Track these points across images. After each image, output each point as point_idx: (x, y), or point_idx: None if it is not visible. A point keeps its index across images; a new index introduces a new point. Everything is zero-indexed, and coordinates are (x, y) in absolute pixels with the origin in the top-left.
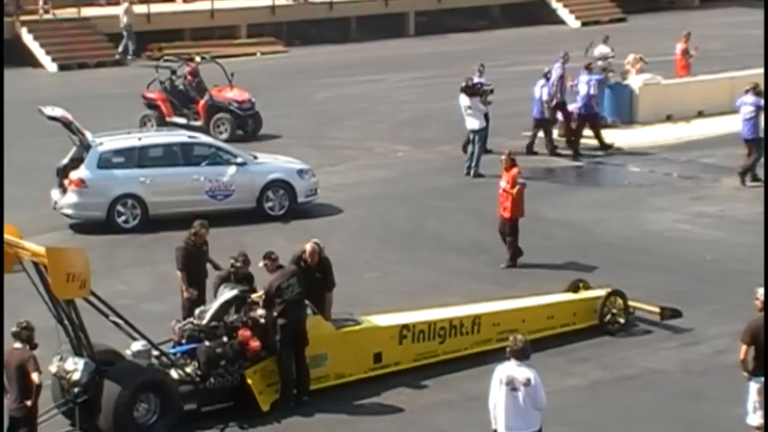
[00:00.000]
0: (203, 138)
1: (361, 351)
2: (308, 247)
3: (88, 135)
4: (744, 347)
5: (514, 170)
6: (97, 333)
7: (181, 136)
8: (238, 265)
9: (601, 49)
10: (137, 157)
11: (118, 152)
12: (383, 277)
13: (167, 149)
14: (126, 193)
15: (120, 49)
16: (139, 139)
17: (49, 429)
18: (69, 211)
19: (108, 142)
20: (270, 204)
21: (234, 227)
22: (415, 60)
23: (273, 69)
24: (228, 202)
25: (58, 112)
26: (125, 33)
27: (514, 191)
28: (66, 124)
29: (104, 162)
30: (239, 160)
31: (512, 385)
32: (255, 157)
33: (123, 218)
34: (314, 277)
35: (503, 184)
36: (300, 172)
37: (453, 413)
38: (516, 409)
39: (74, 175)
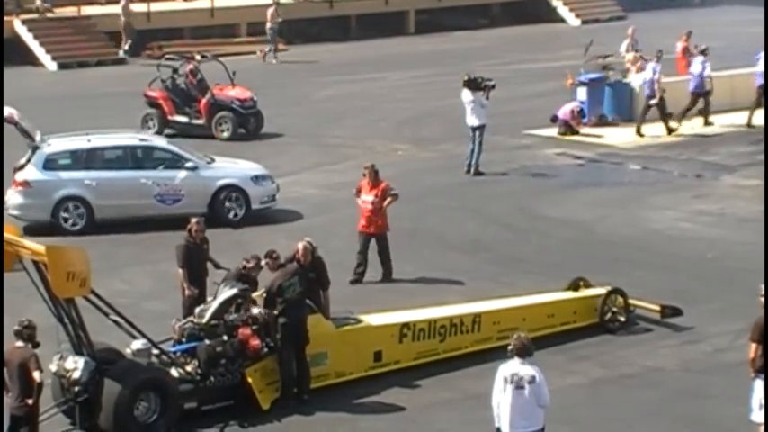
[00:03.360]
0: (155, 141)
1: (361, 349)
2: (301, 246)
3: (37, 136)
4: (753, 346)
5: (383, 183)
6: (97, 332)
7: (131, 139)
8: (250, 266)
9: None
10: (84, 160)
11: (65, 154)
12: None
13: (116, 152)
14: (70, 195)
15: (267, 49)
16: (89, 140)
17: (49, 428)
18: (15, 212)
19: (56, 144)
20: (233, 211)
21: (234, 227)
22: (416, 59)
23: (273, 68)
24: (178, 206)
25: (5, 112)
26: (269, 36)
27: (386, 203)
28: (14, 124)
29: (50, 163)
30: (190, 165)
31: (517, 383)
32: (211, 161)
33: (68, 220)
34: (308, 277)
35: (369, 198)
36: (256, 178)
37: (453, 412)
38: (522, 407)
39: (19, 176)
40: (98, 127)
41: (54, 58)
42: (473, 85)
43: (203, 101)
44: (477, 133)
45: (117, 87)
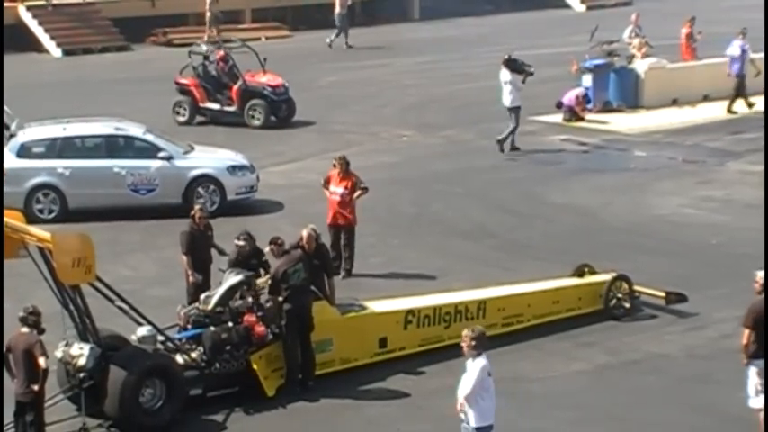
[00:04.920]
0: (131, 130)
1: (366, 336)
2: (305, 233)
3: (13, 125)
4: (746, 332)
5: (353, 176)
6: (103, 318)
7: (107, 127)
8: (241, 244)
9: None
10: (58, 148)
11: (40, 142)
12: (388, 262)
13: (91, 141)
14: (43, 183)
15: (334, 35)
16: (64, 129)
17: (54, 414)
18: None
19: (31, 131)
20: (201, 201)
21: (237, 216)
22: (421, 45)
23: (278, 54)
24: (152, 197)
25: None
26: (338, 23)
27: (356, 196)
28: None
29: (25, 151)
30: (163, 154)
31: (491, 375)
32: (190, 150)
33: (41, 209)
34: (312, 263)
35: (338, 189)
36: (233, 168)
37: None
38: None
39: None
40: (102, 113)
41: (59, 45)
42: (511, 65)
43: (235, 87)
44: (513, 114)
45: (121, 74)
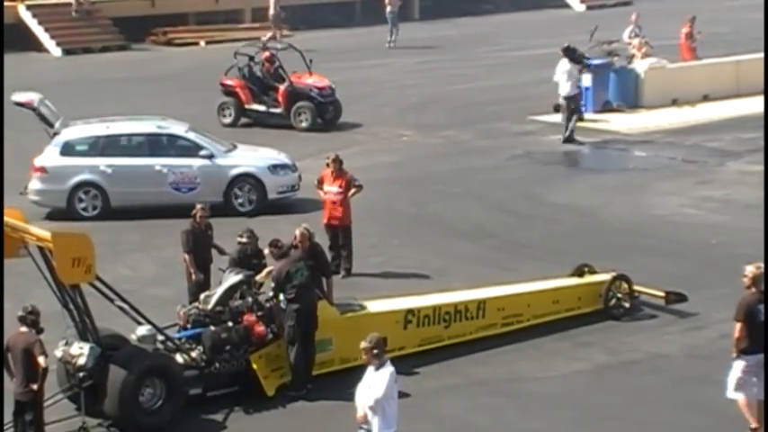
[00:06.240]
0: (173, 128)
1: (365, 336)
2: (298, 232)
3: (58, 122)
4: (738, 326)
5: (347, 174)
6: (102, 318)
7: (149, 126)
8: (244, 240)
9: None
10: (101, 146)
11: (83, 140)
12: (387, 262)
13: (134, 139)
14: (85, 181)
15: (389, 38)
16: (107, 127)
17: (54, 414)
18: (35, 198)
19: (74, 130)
20: (240, 200)
21: (239, 217)
22: (420, 44)
23: (279, 54)
24: (193, 195)
25: (23, 97)
26: (390, 21)
27: (351, 194)
28: (32, 110)
29: (67, 149)
30: (205, 153)
31: (397, 382)
32: (232, 149)
33: (84, 206)
34: (309, 264)
35: (333, 189)
36: (274, 167)
37: (458, 398)
38: None
39: (37, 161)
40: (101, 113)
41: (58, 44)
42: (570, 54)
43: (281, 89)
44: (569, 103)
45: (121, 73)
